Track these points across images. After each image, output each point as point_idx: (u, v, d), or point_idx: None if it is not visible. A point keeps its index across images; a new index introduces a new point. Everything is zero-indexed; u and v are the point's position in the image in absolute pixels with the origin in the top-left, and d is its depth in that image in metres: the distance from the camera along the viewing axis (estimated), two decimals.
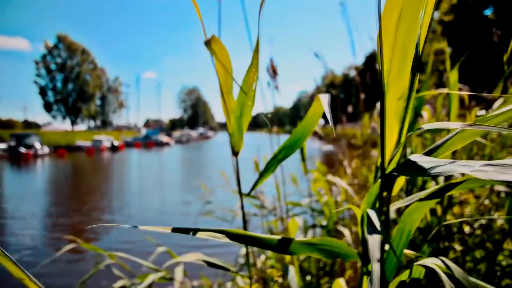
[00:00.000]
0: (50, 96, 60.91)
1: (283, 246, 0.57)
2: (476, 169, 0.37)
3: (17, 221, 8.36)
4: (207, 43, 0.70)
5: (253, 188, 0.91)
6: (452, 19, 22.92)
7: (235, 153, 0.85)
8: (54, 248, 6.13)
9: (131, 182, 15.91)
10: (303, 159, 2.16)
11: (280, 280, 1.24)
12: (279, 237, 0.56)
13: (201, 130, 79.23)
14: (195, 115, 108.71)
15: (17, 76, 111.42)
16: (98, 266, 1.77)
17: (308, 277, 2.02)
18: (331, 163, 6.27)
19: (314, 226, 2.48)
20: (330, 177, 2.60)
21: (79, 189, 13.87)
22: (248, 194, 0.94)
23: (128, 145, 42.92)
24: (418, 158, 0.47)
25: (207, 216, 3.37)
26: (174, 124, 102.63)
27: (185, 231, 0.51)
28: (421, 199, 0.57)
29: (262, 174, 0.89)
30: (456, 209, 1.67)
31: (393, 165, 0.57)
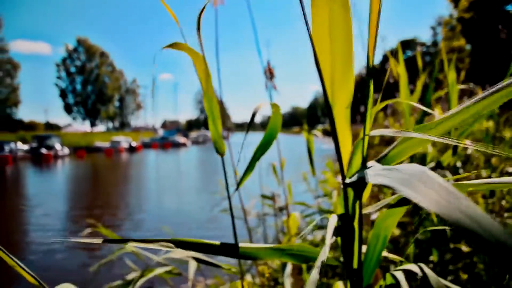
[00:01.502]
0: (70, 98, 62.30)
1: (247, 252, 0.60)
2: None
3: (42, 216, 8.61)
4: (172, 46, 0.73)
5: (238, 186, 0.96)
6: (472, 16, 22.43)
7: (220, 154, 0.90)
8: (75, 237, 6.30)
9: (149, 182, 16.13)
10: (311, 161, 2.18)
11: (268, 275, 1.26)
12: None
13: None
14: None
15: (39, 79, 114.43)
16: (114, 255, 1.83)
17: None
18: None
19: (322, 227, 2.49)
20: (339, 177, 2.61)
21: (98, 189, 14.17)
22: (234, 192, 0.99)
23: (146, 146, 43.49)
24: (370, 165, 0.49)
25: (224, 213, 3.40)
26: (191, 125, 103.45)
27: (118, 241, 0.54)
28: (390, 206, 0.58)
29: (245, 173, 0.93)
30: None
31: (352, 172, 0.59)
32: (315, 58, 0.54)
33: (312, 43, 0.53)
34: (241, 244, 0.61)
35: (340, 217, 0.61)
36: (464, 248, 1.53)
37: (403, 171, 0.35)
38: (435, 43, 39.52)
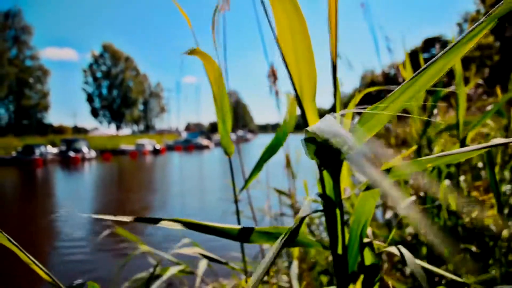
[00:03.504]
0: (97, 102, 64.13)
1: (243, 235, 0.63)
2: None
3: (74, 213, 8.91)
4: (191, 53, 0.77)
5: (245, 185, 0.98)
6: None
7: (227, 154, 0.93)
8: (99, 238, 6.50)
9: (172, 183, 16.42)
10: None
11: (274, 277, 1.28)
12: (238, 226, 0.62)
13: (240, 132, 79.67)
14: (235, 118, 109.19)
15: (67, 85, 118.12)
16: (132, 254, 1.90)
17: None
18: None
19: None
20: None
21: (124, 188, 14.52)
22: (240, 192, 1.01)
23: (169, 148, 44.17)
24: None
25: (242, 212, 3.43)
26: (214, 127, 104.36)
27: (148, 220, 0.58)
28: (365, 189, 0.61)
29: (252, 173, 0.96)
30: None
31: None
32: (283, 58, 0.59)
33: (279, 45, 0.59)
34: (236, 226, 0.64)
35: (320, 197, 0.63)
36: (474, 249, 1.51)
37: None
38: None
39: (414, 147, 0.72)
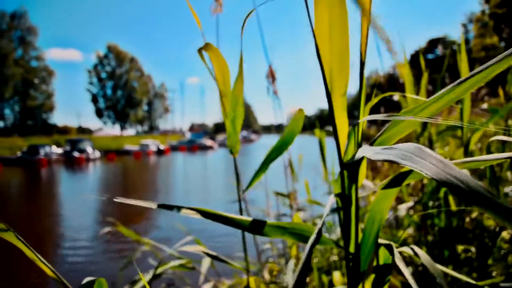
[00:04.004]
0: (101, 102, 64.45)
1: (255, 227, 0.63)
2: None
3: (79, 210, 8.97)
4: (201, 50, 0.78)
5: (248, 186, 0.99)
6: (505, 12, 21.58)
7: (233, 154, 0.94)
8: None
9: (176, 183, 16.47)
10: (324, 162, 2.19)
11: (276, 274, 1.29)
12: (251, 218, 0.63)
13: (244, 133, 79.64)
14: None
15: (71, 85, 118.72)
16: (136, 252, 1.92)
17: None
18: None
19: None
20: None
21: (128, 188, 14.58)
22: (244, 191, 1.02)
23: (173, 148, 44.25)
24: (363, 148, 0.52)
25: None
26: (218, 128, 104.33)
27: (169, 207, 0.59)
28: (383, 188, 0.61)
29: (257, 173, 0.96)
30: None
31: (349, 155, 0.62)
32: (317, 51, 0.59)
33: (315, 39, 0.59)
34: (246, 218, 0.65)
35: (338, 196, 0.64)
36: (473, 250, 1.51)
37: (401, 148, 0.39)
38: (467, 41, 38.25)
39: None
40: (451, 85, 0.47)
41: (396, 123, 0.57)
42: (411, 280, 0.62)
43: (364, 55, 0.61)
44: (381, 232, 0.81)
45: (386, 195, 0.64)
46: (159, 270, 1.56)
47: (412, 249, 0.70)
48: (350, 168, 0.61)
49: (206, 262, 1.76)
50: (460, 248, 1.63)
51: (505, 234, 1.54)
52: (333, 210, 0.65)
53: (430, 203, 1.73)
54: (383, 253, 0.70)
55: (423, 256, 0.67)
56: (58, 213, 10.10)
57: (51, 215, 9.70)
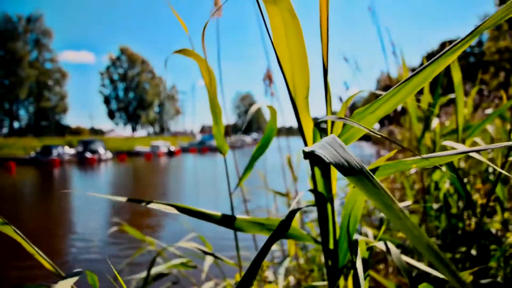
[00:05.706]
0: (113, 104, 65.27)
1: (227, 221, 0.66)
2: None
3: (91, 207, 9.12)
4: (180, 52, 0.81)
5: (238, 184, 1.03)
6: None
7: (222, 154, 0.98)
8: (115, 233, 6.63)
9: (185, 183, 16.60)
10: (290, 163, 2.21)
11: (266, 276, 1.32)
12: (220, 213, 0.66)
13: (254, 135, 79.53)
14: (249, 120, 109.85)
15: (84, 87, 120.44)
16: (140, 251, 1.96)
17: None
18: None
19: None
20: None
21: (140, 188, 14.75)
22: (234, 191, 1.05)
23: (184, 150, 44.48)
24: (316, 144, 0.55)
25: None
26: (229, 130, 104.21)
27: (139, 201, 0.62)
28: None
29: (245, 171, 1.00)
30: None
31: None
32: (278, 59, 0.62)
33: (274, 47, 0.61)
34: (217, 213, 0.68)
35: (312, 192, 0.67)
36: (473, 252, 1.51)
37: (326, 140, 0.43)
38: (480, 43, 37.71)
39: (395, 150, 0.75)
40: (394, 87, 0.49)
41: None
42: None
43: (326, 63, 0.64)
44: (381, 233, 0.84)
45: (359, 192, 0.66)
46: (159, 270, 1.61)
47: (385, 243, 0.73)
48: (312, 161, 0.63)
49: (209, 260, 1.79)
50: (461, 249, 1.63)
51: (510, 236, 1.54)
52: (309, 206, 0.67)
53: (432, 205, 1.74)
54: (360, 249, 0.72)
55: (393, 249, 0.70)
56: (69, 210, 10.27)
57: (63, 212, 9.87)
